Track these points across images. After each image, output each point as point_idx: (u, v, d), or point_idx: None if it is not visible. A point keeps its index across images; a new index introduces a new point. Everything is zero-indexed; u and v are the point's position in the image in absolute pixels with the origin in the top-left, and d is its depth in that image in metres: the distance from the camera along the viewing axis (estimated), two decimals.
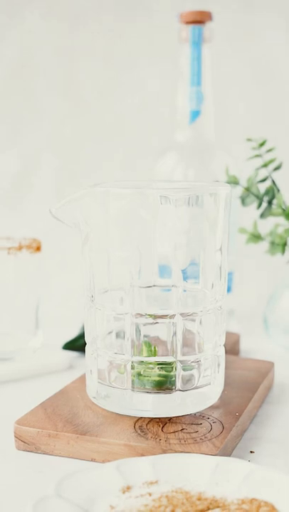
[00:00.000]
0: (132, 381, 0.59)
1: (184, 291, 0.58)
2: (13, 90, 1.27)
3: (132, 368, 0.59)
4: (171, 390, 0.59)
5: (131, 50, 1.23)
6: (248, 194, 0.86)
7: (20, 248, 0.76)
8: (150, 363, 0.59)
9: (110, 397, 0.60)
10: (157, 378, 0.59)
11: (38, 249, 0.78)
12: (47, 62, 1.25)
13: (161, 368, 0.59)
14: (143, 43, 1.22)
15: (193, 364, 0.60)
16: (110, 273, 0.59)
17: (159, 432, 0.58)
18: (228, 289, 0.91)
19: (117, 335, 0.60)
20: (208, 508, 0.47)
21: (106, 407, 0.61)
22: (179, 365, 0.59)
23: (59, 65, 1.25)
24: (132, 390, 0.59)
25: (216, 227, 0.59)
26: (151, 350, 0.59)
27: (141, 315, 0.58)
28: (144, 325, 0.59)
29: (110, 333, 0.61)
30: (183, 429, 0.58)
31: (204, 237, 0.59)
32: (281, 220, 0.89)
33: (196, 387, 0.60)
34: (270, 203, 0.86)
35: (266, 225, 0.94)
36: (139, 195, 0.57)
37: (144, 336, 0.59)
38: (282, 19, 1.18)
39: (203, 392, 0.60)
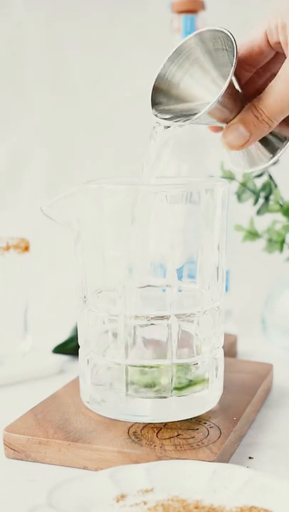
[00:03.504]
0: (126, 385, 0.58)
1: (179, 291, 0.58)
2: (1, 83, 1.26)
3: (126, 371, 0.58)
4: (167, 394, 0.58)
5: (122, 41, 1.22)
6: (244, 190, 0.86)
7: (7, 248, 0.76)
8: (145, 366, 0.58)
9: (105, 401, 0.60)
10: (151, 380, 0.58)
11: (27, 249, 0.77)
12: (35, 53, 1.26)
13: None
14: (135, 33, 1.21)
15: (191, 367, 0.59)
16: (103, 273, 0.59)
17: (153, 438, 0.57)
18: (225, 289, 0.90)
19: (112, 337, 0.60)
20: None
21: (100, 412, 0.60)
22: (174, 368, 0.58)
23: (48, 57, 1.26)
24: (127, 395, 0.59)
25: (213, 225, 0.59)
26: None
27: (135, 316, 0.58)
28: (139, 327, 0.58)
29: (104, 334, 0.60)
30: (179, 435, 0.58)
31: (201, 235, 0.58)
32: (279, 216, 0.89)
33: (194, 391, 0.59)
34: (267, 198, 0.86)
35: (263, 222, 0.93)
36: (134, 192, 0.57)
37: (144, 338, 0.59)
38: None
39: (201, 396, 0.60)
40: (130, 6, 1.22)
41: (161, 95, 0.58)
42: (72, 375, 0.76)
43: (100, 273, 0.59)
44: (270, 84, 0.56)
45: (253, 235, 0.87)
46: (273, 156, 0.61)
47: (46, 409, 0.62)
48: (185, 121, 0.56)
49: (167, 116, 0.57)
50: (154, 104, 0.58)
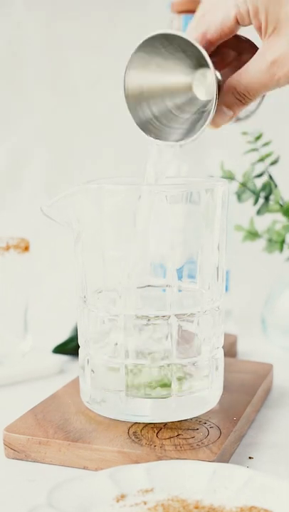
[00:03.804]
0: (126, 385, 0.58)
1: (179, 291, 0.58)
2: (1, 83, 1.25)
3: (126, 371, 0.58)
4: (167, 394, 0.58)
5: (122, 41, 1.22)
6: (244, 190, 0.86)
7: (7, 248, 0.75)
8: (146, 366, 0.58)
9: (105, 401, 0.60)
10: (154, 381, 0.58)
11: (27, 249, 0.77)
12: (36, 53, 1.25)
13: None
14: (134, 33, 1.20)
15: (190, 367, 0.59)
16: (103, 273, 0.59)
17: (153, 438, 0.57)
18: (225, 289, 0.90)
19: (111, 337, 0.59)
20: None
21: (100, 412, 0.60)
22: (174, 368, 0.58)
23: (48, 57, 1.25)
24: (127, 395, 0.58)
25: (213, 225, 0.58)
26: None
27: (135, 316, 0.57)
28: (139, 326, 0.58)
29: (104, 335, 0.60)
30: (179, 435, 0.57)
31: (201, 235, 0.58)
32: (279, 216, 0.89)
33: (194, 391, 0.59)
34: (267, 198, 0.85)
35: (263, 222, 0.93)
36: (134, 192, 0.57)
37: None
38: None
39: (201, 396, 0.60)
40: (130, 6, 1.22)
41: (146, 124, 0.59)
42: (72, 375, 0.76)
43: (100, 273, 0.59)
44: (248, 66, 0.57)
45: (253, 235, 0.86)
46: (256, 106, 0.62)
47: (46, 409, 0.62)
48: (186, 140, 0.57)
49: (162, 135, 0.58)
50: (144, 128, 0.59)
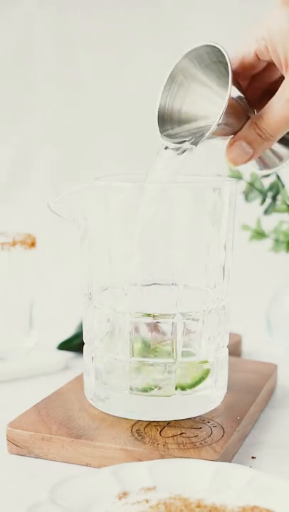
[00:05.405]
0: (130, 383, 0.58)
1: (185, 289, 0.58)
2: (11, 79, 1.26)
3: (131, 368, 0.58)
4: (171, 392, 0.58)
5: (133, 37, 1.21)
6: (252, 189, 0.85)
7: (14, 244, 0.75)
8: (150, 364, 0.58)
9: (109, 399, 0.60)
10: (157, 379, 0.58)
11: (33, 244, 0.77)
12: (46, 49, 1.25)
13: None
14: (145, 29, 1.21)
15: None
16: (109, 270, 0.59)
17: (157, 436, 0.57)
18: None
19: (116, 334, 0.59)
20: None
21: (104, 410, 0.60)
22: (179, 367, 0.58)
23: (59, 53, 1.25)
24: (131, 392, 0.58)
25: (219, 224, 0.58)
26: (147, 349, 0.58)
27: (140, 314, 0.57)
28: (144, 324, 0.58)
29: (109, 332, 0.60)
30: (182, 434, 0.57)
31: (207, 233, 0.58)
32: (286, 216, 0.89)
33: (198, 390, 0.59)
34: (274, 198, 0.85)
35: (270, 222, 0.92)
36: (141, 190, 0.57)
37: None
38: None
39: (205, 395, 0.60)
40: (141, 3, 1.22)
41: (167, 123, 0.59)
42: (76, 371, 0.76)
43: (105, 270, 0.59)
44: (270, 102, 0.57)
45: (259, 234, 0.86)
46: (282, 159, 0.61)
47: (50, 405, 0.62)
48: (192, 143, 0.56)
49: (176, 141, 0.57)
50: (162, 130, 0.58)
